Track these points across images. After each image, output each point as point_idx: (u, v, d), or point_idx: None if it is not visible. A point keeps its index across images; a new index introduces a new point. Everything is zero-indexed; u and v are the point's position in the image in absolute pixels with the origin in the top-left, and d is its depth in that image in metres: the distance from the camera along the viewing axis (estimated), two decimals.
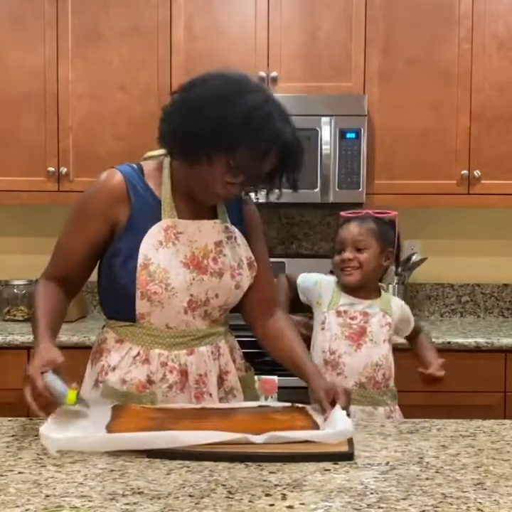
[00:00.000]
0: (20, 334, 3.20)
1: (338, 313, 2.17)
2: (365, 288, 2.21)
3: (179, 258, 1.87)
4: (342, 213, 2.31)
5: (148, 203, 1.89)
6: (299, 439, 1.61)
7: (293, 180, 1.86)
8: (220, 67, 3.36)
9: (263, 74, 3.39)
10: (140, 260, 1.85)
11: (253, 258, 1.99)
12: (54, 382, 1.65)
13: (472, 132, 3.42)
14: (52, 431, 1.58)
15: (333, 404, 1.80)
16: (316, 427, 1.72)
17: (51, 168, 3.41)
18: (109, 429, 1.64)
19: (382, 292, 2.25)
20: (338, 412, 1.73)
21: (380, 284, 2.30)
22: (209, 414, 1.77)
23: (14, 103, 3.42)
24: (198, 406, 1.86)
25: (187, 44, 3.41)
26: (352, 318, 2.16)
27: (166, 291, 1.86)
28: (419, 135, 3.43)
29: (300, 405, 1.88)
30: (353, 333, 2.15)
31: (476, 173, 3.41)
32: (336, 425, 1.67)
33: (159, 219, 1.88)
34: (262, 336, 2.04)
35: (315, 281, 2.26)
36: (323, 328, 2.18)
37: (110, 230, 1.90)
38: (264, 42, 3.40)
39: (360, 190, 3.31)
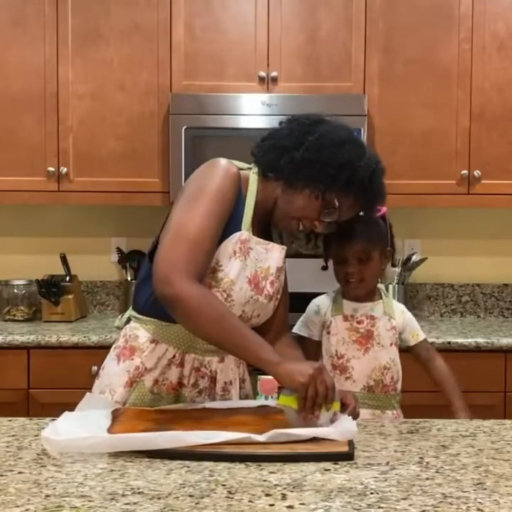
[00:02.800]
0: (20, 334, 3.19)
1: (345, 318, 2.16)
2: (367, 292, 2.20)
3: (246, 273, 1.87)
4: None
5: (238, 207, 1.88)
6: (301, 436, 1.61)
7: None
8: (220, 67, 3.41)
9: (263, 74, 3.39)
10: (212, 263, 1.83)
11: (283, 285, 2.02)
12: None
13: (472, 132, 3.42)
14: (53, 434, 1.58)
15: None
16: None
17: (51, 168, 3.41)
18: (111, 431, 1.64)
19: (383, 296, 2.23)
20: (344, 416, 1.75)
21: (379, 286, 2.27)
22: (210, 414, 1.77)
23: (14, 103, 3.41)
24: (199, 406, 1.86)
25: (187, 44, 3.41)
26: (359, 322, 2.15)
27: (225, 301, 1.84)
28: (419, 135, 3.43)
29: None
30: (361, 337, 2.14)
31: (476, 173, 3.41)
32: (340, 424, 1.68)
33: (239, 228, 1.87)
34: None
35: (315, 311, 2.22)
36: (329, 333, 2.17)
37: None
38: (264, 42, 3.40)
39: None
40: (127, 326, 1.98)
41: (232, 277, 1.84)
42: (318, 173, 1.82)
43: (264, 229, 1.96)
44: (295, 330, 2.25)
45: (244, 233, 1.87)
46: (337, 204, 1.85)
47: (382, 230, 2.18)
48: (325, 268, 2.21)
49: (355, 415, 1.78)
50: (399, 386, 2.19)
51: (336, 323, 2.16)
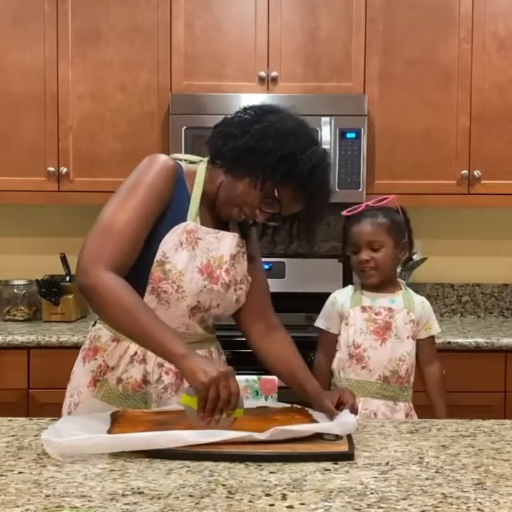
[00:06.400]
0: (20, 334, 3.19)
1: (363, 309, 2.21)
2: (385, 282, 2.23)
3: (196, 263, 1.88)
4: (343, 212, 2.32)
5: (181, 201, 1.89)
6: (302, 433, 1.61)
7: (308, 231, 1.92)
8: (220, 67, 3.41)
9: (263, 74, 3.39)
10: (158, 256, 1.84)
11: (247, 274, 2.00)
12: None
13: (472, 132, 3.42)
14: (53, 436, 1.57)
15: (338, 405, 1.82)
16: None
17: (51, 168, 3.41)
18: (111, 433, 1.64)
19: (403, 288, 2.27)
20: (343, 411, 1.76)
21: (399, 280, 2.31)
22: None
23: (14, 103, 3.41)
24: None
25: (187, 44, 3.41)
26: (377, 314, 2.20)
27: (176, 292, 1.86)
28: (419, 135, 3.43)
29: (299, 407, 1.88)
30: (378, 327, 2.18)
31: (476, 173, 3.41)
32: (340, 418, 1.70)
33: (184, 219, 1.88)
34: (256, 347, 2.04)
35: (332, 302, 2.29)
36: (347, 324, 2.21)
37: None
38: (264, 42, 3.40)
39: (360, 190, 3.31)
40: (92, 328, 2.00)
41: (180, 268, 1.85)
42: (259, 163, 1.82)
43: (217, 218, 1.96)
44: (316, 324, 2.31)
45: (190, 224, 1.88)
46: (276, 195, 1.83)
47: (396, 219, 2.21)
48: (341, 261, 2.26)
49: (354, 413, 1.79)
50: (412, 379, 2.22)
51: (354, 314, 2.21)
